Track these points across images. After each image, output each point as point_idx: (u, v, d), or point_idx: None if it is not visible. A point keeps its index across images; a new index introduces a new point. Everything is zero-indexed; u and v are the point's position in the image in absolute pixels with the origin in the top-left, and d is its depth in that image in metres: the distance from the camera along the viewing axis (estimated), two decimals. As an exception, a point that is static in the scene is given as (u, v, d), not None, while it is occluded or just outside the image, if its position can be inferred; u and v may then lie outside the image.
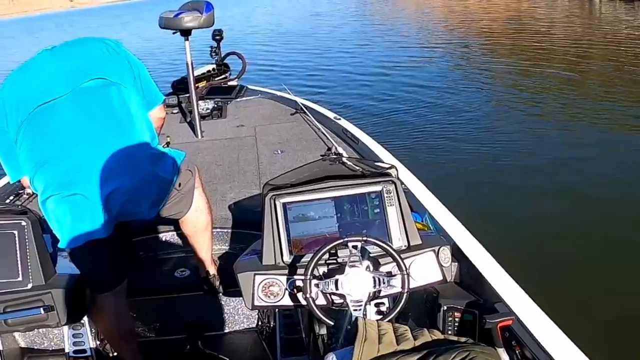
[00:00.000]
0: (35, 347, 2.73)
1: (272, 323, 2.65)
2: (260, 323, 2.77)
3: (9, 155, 2.15)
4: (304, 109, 4.80)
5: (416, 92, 9.61)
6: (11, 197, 3.57)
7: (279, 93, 5.60)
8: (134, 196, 2.13)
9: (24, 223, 2.11)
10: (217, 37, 5.88)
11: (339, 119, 4.39)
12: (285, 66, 13.89)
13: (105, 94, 2.10)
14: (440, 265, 2.00)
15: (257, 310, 2.72)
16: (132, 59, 2.25)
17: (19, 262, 2.09)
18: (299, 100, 5.04)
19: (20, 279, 2.09)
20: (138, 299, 2.69)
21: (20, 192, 3.65)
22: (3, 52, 28.65)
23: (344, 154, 3.34)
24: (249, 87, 5.97)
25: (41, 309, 2.05)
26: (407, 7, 28.61)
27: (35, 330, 2.61)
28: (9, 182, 3.79)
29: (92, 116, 2.07)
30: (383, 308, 2.11)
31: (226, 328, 2.81)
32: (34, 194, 3.63)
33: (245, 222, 3.01)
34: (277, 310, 2.49)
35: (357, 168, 2.17)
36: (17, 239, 2.10)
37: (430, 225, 2.42)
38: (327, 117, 4.56)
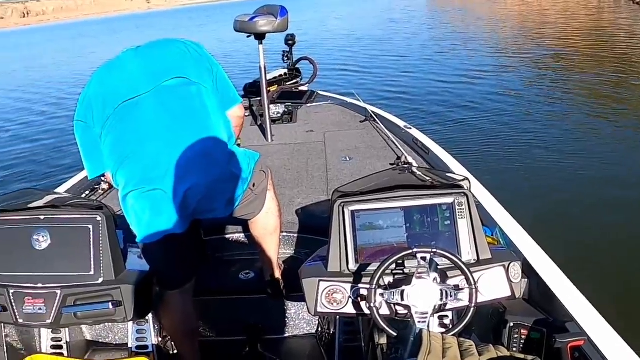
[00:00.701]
0: (100, 341, 2.81)
1: (332, 330, 2.65)
2: (320, 329, 2.77)
3: (91, 151, 2.20)
4: (374, 116, 4.78)
5: (490, 103, 9.43)
6: (87, 192, 3.72)
7: (349, 100, 5.60)
8: (210, 193, 2.18)
9: (99, 218, 2.17)
10: (290, 42, 5.94)
11: (410, 128, 4.36)
12: (356, 73, 13.88)
13: (186, 93, 2.16)
14: (510, 281, 1.94)
15: (317, 317, 2.72)
16: (211, 60, 2.30)
17: (92, 257, 2.15)
18: (369, 107, 5.03)
19: (92, 273, 2.15)
20: (202, 299, 2.73)
21: (96, 187, 3.80)
22: (86, 51, 30.00)
23: (414, 164, 3.31)
24: (320, 92, 6.00)
25: (110, 303, 2.10)
26: (482, 16, 28.07)
27: (102, 324, 2.68)
28: (85, 178, 3.98)
29: (172, 114, 2.13)
30: (446, 321, 2.08)
31: (286, 332, 2.82)
32: (108, 189, 3.81)
33: (312, 228, 3.03)
34: (337, 317, 2.48)
35: (427, 178, 2.14)
36: (91, 233, 2.16)
37: (500, 240, 2.37)
38: (397, 125, 4.53)
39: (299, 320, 2.81)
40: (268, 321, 2.80)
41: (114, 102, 2.10)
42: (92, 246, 2.16)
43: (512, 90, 10.23)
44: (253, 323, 2.78)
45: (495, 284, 1.93)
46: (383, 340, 2.21)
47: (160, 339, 2.63)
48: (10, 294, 2.12)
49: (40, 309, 2.10)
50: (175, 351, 2.68)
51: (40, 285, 2.13)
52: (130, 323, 2.54)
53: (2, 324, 2.49)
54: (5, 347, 2.54)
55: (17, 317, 2.12)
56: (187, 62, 2.21)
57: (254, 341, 2.72)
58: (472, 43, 17.36)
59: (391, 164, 3.76)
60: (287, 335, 2.81)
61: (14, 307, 2.11)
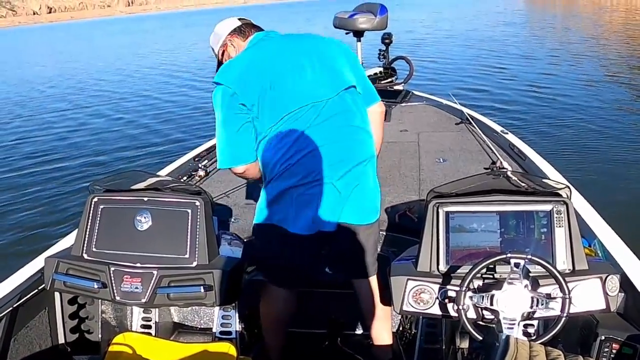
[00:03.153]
0: (186, 324, 2.88)
1: (413, 330, 2.65)
2: (401, 328, 2.77)
3: (242, 141, 2.18)
4: (470, 119, 4.71)
5: (596, 113, 9.04)
6: (184, 178, 3.84)
7: (444, 101, 5.54)
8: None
9: (198, 203, 2.25)
10: (387, 41, 5.91)
11: (506, 133, 4.27)
12: (453, 74, 13.65)
13: (355, 98, 2.26)
14: (606, 294, 1.89)
15: (400, 315, 2.72)
16: (357, 60, 2.38)
17: (188, 240, 2.23)
18: (465, 110, 4.95)
19: (187, 256, 2.22)
20: None
21: (193, 173, 3.95)
22: (189, 40, 31.08)
23: (509, 169, 3.25)
24: (415, 92, 5.94)
25: (202, 287, 2.15)
26: (586, 20, 26.83)
27: (190, 307, 2.76)
28: (184, 163, 4.15)
29: (348, 120, 2.21)
30: (531, 330, 2.05)
31: (367, 329, 2.80)
32: (205, 176, 3.96)
33: (401, 227, 3.02)
34: (421, 317, 2.48)
35: (523, 184, 2.11)
36: (189, 217, 2.24)
37: (599, 252, 2.29)
38: (493, 129, 4.45)
39: None
40: (350, 317, 2.83)
41: (297, 100, 2.13)
42: (189, 230, 2.23)
43: (621, 102, 9.74)
44: (335, 317, 2.81)
45: (589, 296, 1.89)
46: (464, 345, 2.20)
47: (244, 326, 2.67)
48: (111, 272, 2.21)
49: (137, 287, 2.18)
50: (257, 339, 2.73)
51: (139, 264, 2.22)
52: (217, 308, 2.59)
53: (100, 300, 2.63)
54: (100, 323, 2.68)
55: (115, 294, 2.20)
56: (349, 66, 2.27)
57: (334, 335, 2.76)
58: (577, 49, 16.62)
59: (485, 168, 3.70)
60: (367, 332, 2.81)
61: (113, 285, 2.20)
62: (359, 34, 4.35)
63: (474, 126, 4.58)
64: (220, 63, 2.37)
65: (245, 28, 2.35)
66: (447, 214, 2.00)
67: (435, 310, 1.95)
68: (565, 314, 1.76)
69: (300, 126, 2.13)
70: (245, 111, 2.12)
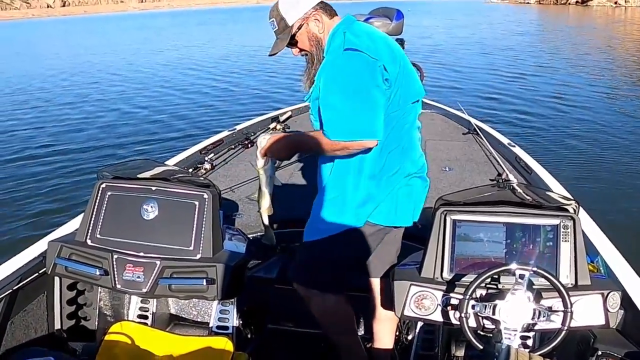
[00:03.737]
0: (183, 316, 2.86)
1: (410, 335, 2.66)
2: (398, 333, 2.75)
3: (380, 115, 2.02)
4: (477, 130, 4.73)
5: (604, 129, 9.06)
6: (191, 170, 3.83)
7: (453, 110, 5.56)
8: None
9: (205, 196, 2.25)
10: (399, 47, 5.92)
11: (513, 146, 4.27)
12: (463, 84, 13.68)
13: None
14: (607, 310, 1.90)
15: (398, 320, 2.70)
16: None
17: (193, 232, 2.22)
18: (473, 120, 4.97)
19: (191, 248, 2.22)
20: (286, 287, 2.74)
21: (199, 165, 3.95)
22: (203, 38, 31.09)
23: (514, 182, 3.26)
24: (424, 100, 5.96)
25: (204, 280, 2.14)
26: (599, 32, 26.78)
27: (188, 300, 2.74)
28: (191, 155, 4.14)
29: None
30: (529, 342, 2.08)
31: (360, 332, 2.79)
32: (211, 169, 3.96)
33: (405, 233, 3.02)
34: (418, 324, 2.49)
35: (528, 197, 2.12)
36: (196, 209, 2.24)
37: (601, 269, 2.30)
38: (500, 141, 4.46)
39: None
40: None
41: (411, 96, 2.16)
42: (195, 222, 2.23)
43: (630, 118, 9.75)
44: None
45: (590, 311, 1.90)
46: (460, 353, 2.21)
47: (241, 322, 2.66)
48: (114, 260, 2.21)
49: (138, 277, 2.18)
50: (253, 336, 2.73)
51: (142, 254, 2.22)
52: (215, 302, 2.58)
53: (99, 288, 2.60)
54: (97, 311, 2.66)
55: (116, 282, 2.20)
56: None
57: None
58: (589, 62, 16.67)
59: (491, 180, 3.71)
60: (360, 334, 2.79)
61: (115, 273, 2.20)
62: (373, 37, 4.34)
63: (481, 137, 4.59)
64: (291, 36, 2.17)
65: (329, 7, 2.22)
66: (454, 222, 2.01)
67: (437, 317, 1.96)
68: (566, 327, 1.77)
69: (409, 119, 2.18)
70: (386, 86, 2.03)
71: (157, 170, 2.54)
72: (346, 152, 2.03)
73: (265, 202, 2.30)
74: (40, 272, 2.40)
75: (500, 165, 3.94)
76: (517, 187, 2.19)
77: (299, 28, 2.15)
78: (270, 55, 2.25)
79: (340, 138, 1.98)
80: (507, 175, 3.66)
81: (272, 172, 2.28)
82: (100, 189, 2.36)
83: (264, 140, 2.18)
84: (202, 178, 2.54)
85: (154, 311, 2.66)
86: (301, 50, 2.22)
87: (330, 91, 2.01)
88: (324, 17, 2.17)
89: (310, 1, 2.16)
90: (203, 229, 2.22)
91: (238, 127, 5.03)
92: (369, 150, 2.05)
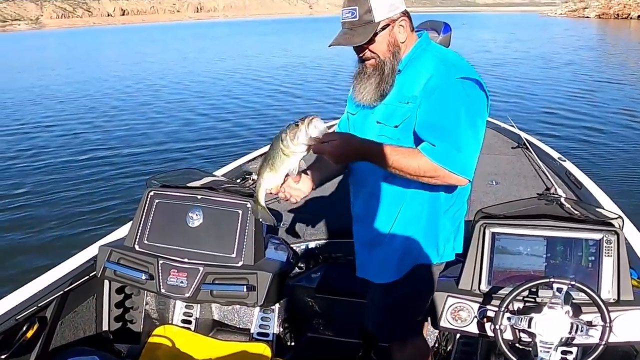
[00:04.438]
0: (225, 322, 2.91)
1: (449, 347, 2.64)
2: (437, 344, 2.75)
3: None
4: (527, 144, 4.65)
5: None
6: (238, 180, 3.89)
7: (502, 124, 5.49)
8: None
9: (249, 205, 2.31)
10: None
11: (564, 160, 4.19)
12: (513, 97, 13.48)
13: None
14: None
15: (437, 332, 2.71)
16: None
17: (236, 240, 2.29)
18: (523, 134, 4.89)
19: (234, 255, 2.29)
20: (326, 297, 2.83)
21: (247, 176, 4.00)
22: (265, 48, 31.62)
23: (563, 196, 3.22)
24: None
25: (245, 287, 2.20)
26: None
27: (231, 305, 2.79)
28: (239, 166, 4.20)
29: None
30: (570, 357, 2.05)
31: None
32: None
33: None
34: (457, 335, 2.48)
35: (576, 212, 2.08)
36: (240, 218, 2.31)
37: None
38: (550, 155, 4.38)
39: None
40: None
41: None
42: (238, 230, 2.30)
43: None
44: (371, 329, 2.84)
45: (632, 326, 1.84)
46: None
47: (281, 330, 2.69)
48: (159, 265, 2.30)
49: (182, 282, 2.26)
50: (293, 344, 2.76)
51: (186, 260, 2.31)
52: (257, 309, 2.64)
53: (146, 292, 2.71)
54: (143, 314, 2.77)
55: (161, 287, 2.29)
56: None
57: (368, 346, 2.74)
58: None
59: (539, 194, 3.66)
60: (358, 341, 2.78)
61: (160, 278, 2.29)
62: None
63: (530, 151, 4.51)
64: (374, 34, 1.89)
65: (412, 20, 2.02)
66: (494, 234, 2.00)
67: (473, 328, 1.95)
68: (604, 342, 1.74)
69: None
70: None
71: (205, 179, 2.63)
72: (433, 181, 1.82)
73: (275, 180, 1.83)
74: (90, 275, 2.50)
75: (549, 180, 3.87)
76: (564, 202, 2.17)
77: (383, 28, 1.90)
78: (330, 46, 1.98)
79: (455, 170, 1.78)
80: (555, 189, 3.59)
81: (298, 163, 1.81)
82: (149, 196, 2.46)
83: (320, 127, 1.70)
84: (247, 188, 2.61)
85: (198, 316, 2.74)
86: (371, 53, 1.92)
87: (460, 120, 1.82)
88: (409, 26, 1.98)
89: (402, 4, 1.95)
90: (245, 237, 2.29)
91: None
92: (454, 187, 1.96)
